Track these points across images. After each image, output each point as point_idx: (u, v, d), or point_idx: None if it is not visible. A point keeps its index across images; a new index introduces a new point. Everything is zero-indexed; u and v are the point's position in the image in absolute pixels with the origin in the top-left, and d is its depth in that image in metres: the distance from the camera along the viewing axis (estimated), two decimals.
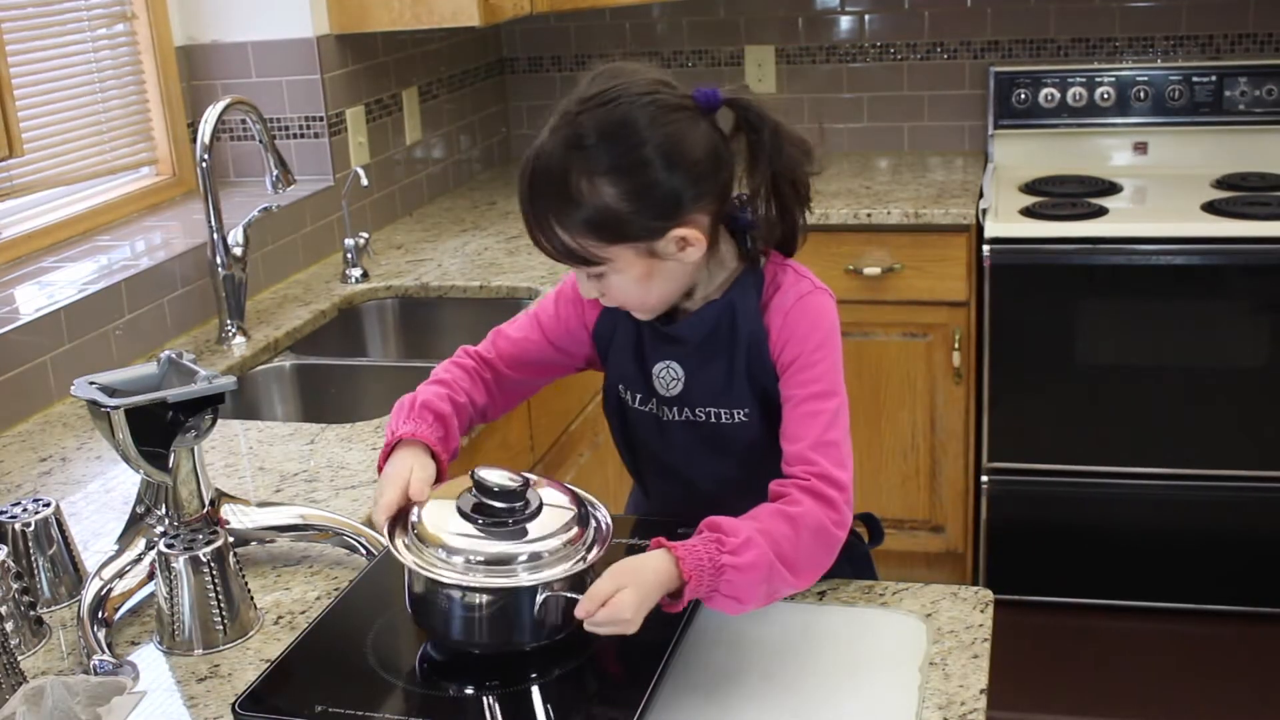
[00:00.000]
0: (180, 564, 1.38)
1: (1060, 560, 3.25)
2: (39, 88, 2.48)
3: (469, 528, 1.24)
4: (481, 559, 1.22)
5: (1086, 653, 3.14)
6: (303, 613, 1.46)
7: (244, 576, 1.44)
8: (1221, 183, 3.30)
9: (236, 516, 1.55)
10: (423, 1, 2.89)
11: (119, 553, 1.48)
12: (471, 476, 1.27)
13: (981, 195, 3.23)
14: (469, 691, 1.23)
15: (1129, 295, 3.07)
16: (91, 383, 1.44)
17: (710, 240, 1.38)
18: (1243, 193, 3.21)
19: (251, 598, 1.44)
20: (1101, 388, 3.13)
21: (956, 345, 3.17)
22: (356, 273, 2.77)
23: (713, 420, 1.47)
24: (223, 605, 1.39)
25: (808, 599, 1.45)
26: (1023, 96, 3.52)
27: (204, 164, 2.36)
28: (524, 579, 1.21)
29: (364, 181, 2.76)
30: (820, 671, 1.31)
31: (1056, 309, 3.10)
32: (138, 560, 1.47)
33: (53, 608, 1.51)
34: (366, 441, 1.91)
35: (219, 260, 2.41)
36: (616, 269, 1.36)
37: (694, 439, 1.49)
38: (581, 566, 1.23)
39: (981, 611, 1.41)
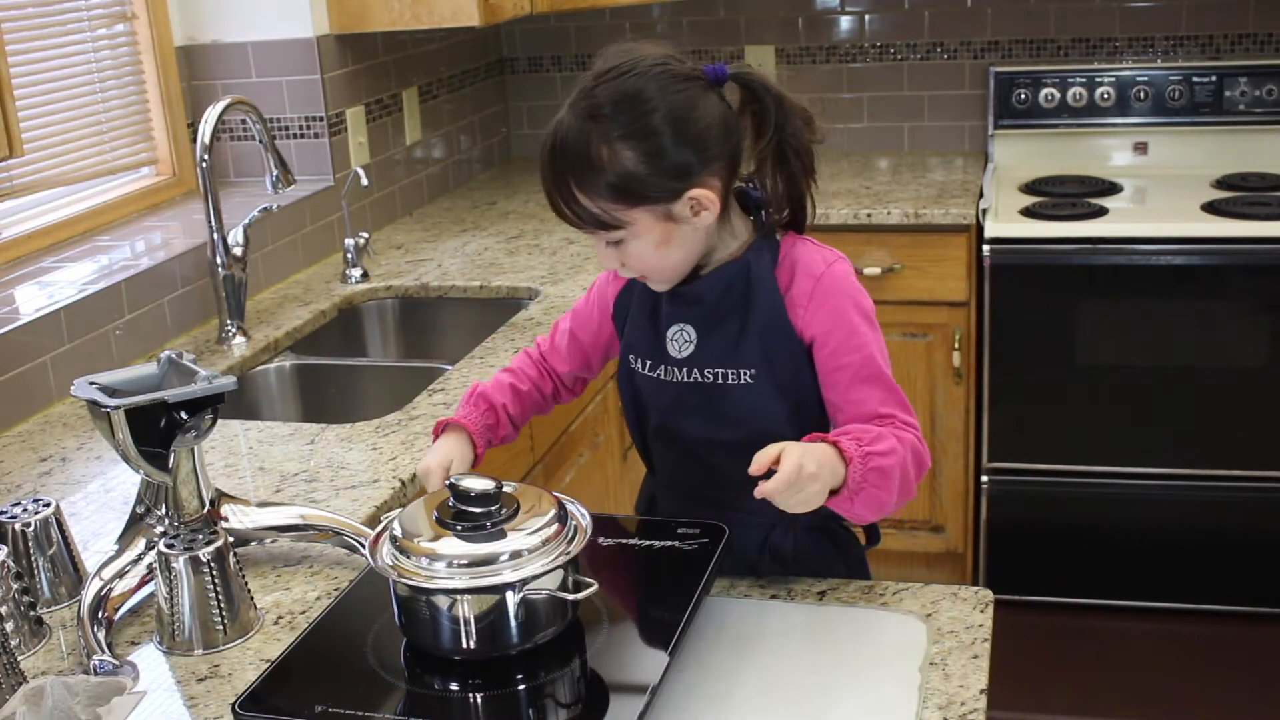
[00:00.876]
0: (180, 564, 1.38)
1: (1060, 560, 3.25)
2: (39, 88, 2.48)
3: (449, 534, 1.24)
4: (464, 562, 1.22)
5: (1086, 653, 3.14)
6: (303, 613, 1.46)
7: (244, 576, 1.44)
8: (1221, 183, 3.30)
9: (236, 516, 1.55)
10: (423, 1, 2.89)
11: (119, 553, 1.48)
12: (448, 485, 1.27)
13: (981, 195, 3.23)
14: (470, 692, 1.23)
15: (1129, 295, 3.07)
16: (91, 383, 1.44)
17: (722, 205, 1.45)
18: (1243, 193, 3.21)
19: (251, 598, 1.44)
20: (1101, 388, 3.13)
21: (956, 345, 3.17)
22: (356, 273, 2.77)
23: (718, 381, 1.51)
24: (223, 605, 1.39)
25: (808, 599, 1.45)
26: (1023, 96, 3.52)
27: (204, 164, 2.36)
28: (508, 576, 1.21)
29: (364, 181, 2.76)
30: (820, 671, 1.31)
31: (1056, 309, 3.10)
32: (138, 560, 1.47)
33: (53, 608, 1.51)
34: (366, 441, 1.91)
35: (219, 260, 2.41)
36: (635, 234, 1.43)
37: (699, 400, 1.53)
38: (565, 560, 1.23)
39: (981, 611, 1.41)
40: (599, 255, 1.49)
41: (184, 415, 1.42)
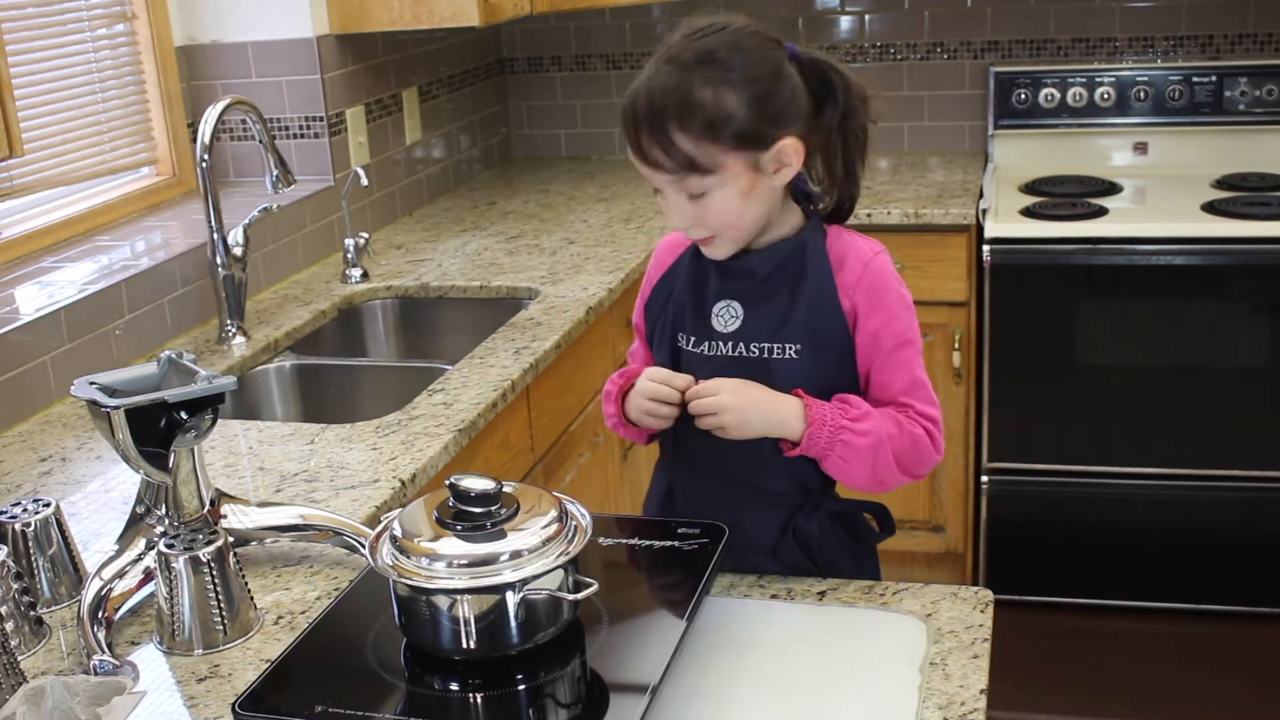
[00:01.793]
0: (180, 564, 1.38)
1: (1060, 560, 3.25)
2: (39, 88, 2.48)
3: (449, 534, 1.24)
4: (464, 562, 1.22)
5: (1086, 653, 3.14)
6: (303, 613, 1.46)
7: (244, 576, 1.44)
8: (1221, 183, 3.30)
9: (236, 516, 1.55)
10: (423, 1, 2.89)
11: (119, 553, 1.48)
12: (448, 485, 1.27)
13: (981, 195, 3.23)
14: (470, 692, 1.23)
15: (1129, 295, 3.07)
16: (91, 383, 1.44)
17: (804, 162, 1.51)
18: (1243, 193, 3.21)
19: (251, 598, 1.44)
20: (1101, 388, 3.13)
21: (956, 345, 3.17)
22: (356, 273, 2.77)
23: (764, 356, 1.54)
24: (223, 605, 1.39)
25: (808, 599, 1.45)
26: (1023, 96, 3.52)
27: (204, 164, 2.36)
28: (508, 576, 1.21)
29: (364, 181, 2.76)
30: (820, 671, 1.31)
31: (1056, 309, 3.10)
32: (138, 560, 1.47)
33: (53, 608, 1.51)
34: (366, 441, 1.91)
35: (219, 260, 2.41)
36: (723, 181, 1.46)
37: (742, 375, 1.54)
38: (565, 560, 1.23)
39: (981, 611, 1.41)
40: (673, 214, 1.50)
41: (184, 415, 1.42)
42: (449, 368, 2.25)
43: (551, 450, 2.39)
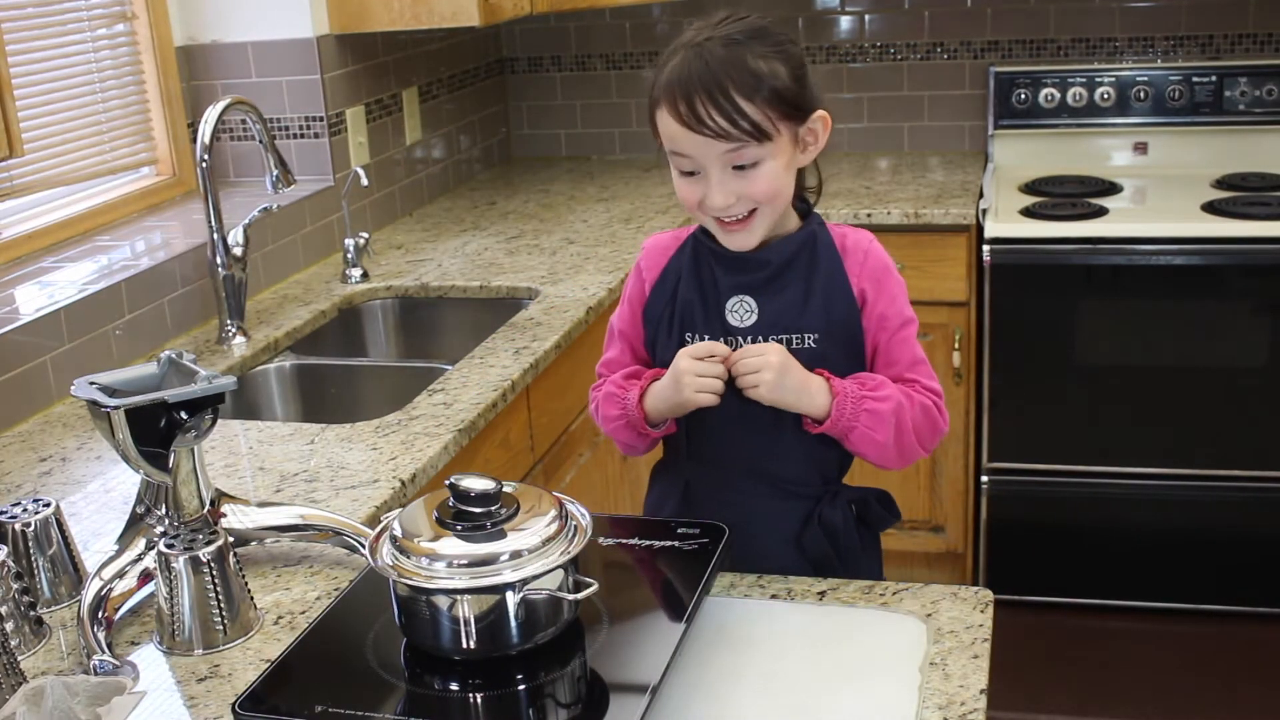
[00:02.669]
0: (180, 564, 1.38)
1: (1060, 560, 3.25)
2: (39, 88, 2.48)
3: (449, 534, 1.24)
4: (464, 562, 1.22)
5: (1086, 653, 3.14)
6: (303, 613, 1.46)
7: (244, 576, 1.44)
8: (1221, 183, 3.30)
9: (236, 516, 1.55)
10: (423, 1, 2.89)
11: (119, 553, 1.48)
12: (448, 485, 1.27)
13: (981, 195, 3.23)
14: (470, 692, 1.23)
15: (1129, 295, 3.07)
16: (91, 383, 1.44)
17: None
18: (1243, 193, 3.21)
19: (251, 598, 1.44)
20: (1101, 388, 3.13)
21: (956, 345, 3.17)
22: (356, 273, 2.77)
23: (783, 347, 1.57)
24: (223, 605, 1.39)
25: (808, 599, 1.45)
26: (1023, 96, 3.52)
27: (204, 164, 2.36)
28: (508, 576, 1.21)
29: (364, 181, 2.76)
30: (820, 671, 1.31)
31: (1056, 309, 3.10)
32: (138, 560, 1.47)
33: (53, 608, 1.51)
34: (366, 441, 1.91)
35: (219, 260, 2.41)
36: (774, 153, 1.51)
37: None
38: (565, 560, 1.23)
39: (981, 611, 1.41)
40: (716, 192, 1.51)
41: (184, 415, 1.42)
42: (449, 368, 2.25)
43: (551, 450, 2.39)
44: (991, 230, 3.06)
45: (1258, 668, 3.05)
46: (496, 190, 3.61)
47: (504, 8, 2.98)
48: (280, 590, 1.51)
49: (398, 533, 1.26)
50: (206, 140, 2.35)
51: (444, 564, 1.22)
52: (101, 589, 1.43)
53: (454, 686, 1.23)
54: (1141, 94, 3.45)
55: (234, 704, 1.19)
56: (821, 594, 1.46)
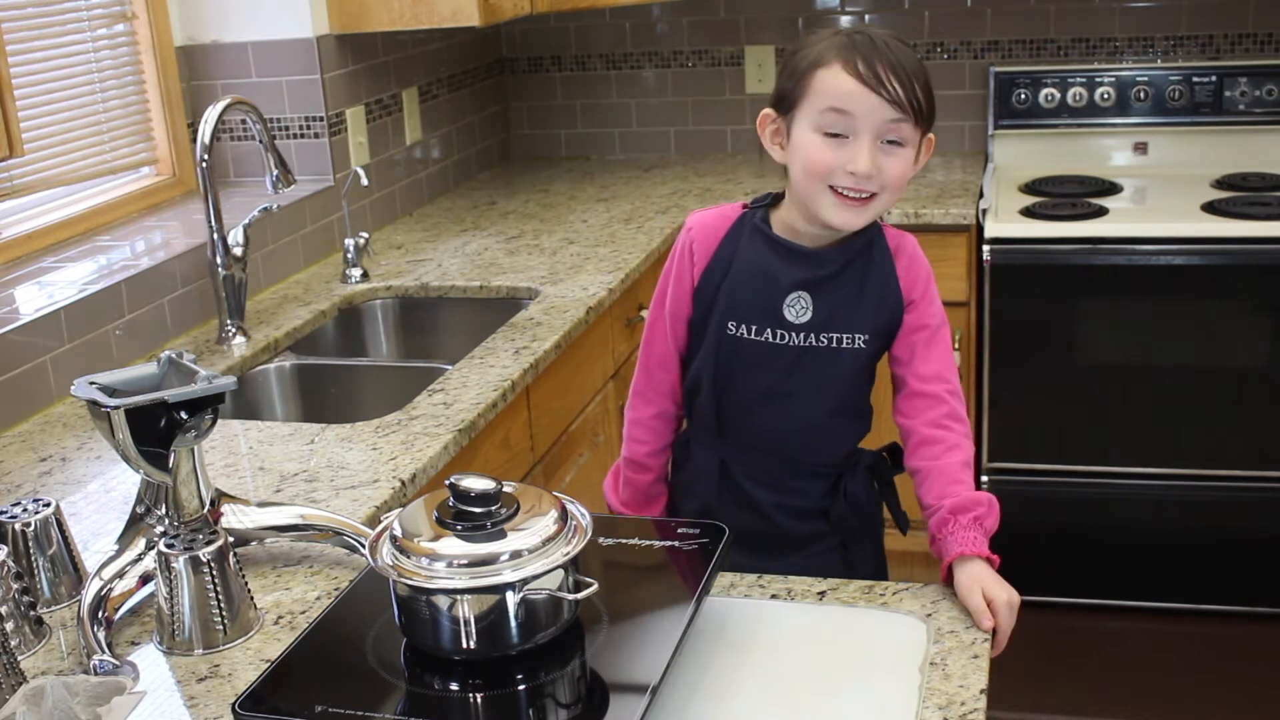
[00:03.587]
0: (180, 564, 1.38)
1: (1060, 560, 3.25)
2: (39, 88, 2.48)
3: (449, 534, 1.24)
4: (464, 562, 1.22)
5: (1086, 653, 3.14)
6: (303, 613, 1.46)
7: (244, 576, 1.44)
8: (1221, 183, 3.30)
9: (236, 516, 1.55)
10: (423, 1, 2.89)
11: (119, 553, 1.48)
12: (448, 485, 1.27)
13: (981, 195, 3.23)
14: (470, 692, 1.23)
15: (1129, 295, 3.07)
16: (91, 383, 1.44)
17: None
18: (1243, 193, 3.20)
19: (251, 598, 1.44)
20: (1101, 388, 3.13)
21: (956, 345, 3.17)
22: (356, 273, 2.77)
23: (834, 346, 1.65)
24: (223, 605, 1.39)
25: (808, 599, 1.45)
26: (1023, 96, 3.52)
27: (204, 164, 2.36)
28: (508, 576, 1.21)
29: (364, 181, 2.76)
30: (820, 671, 1.31)
31: (1056, 309, 3.10)
32: (138, 560, 1.47)
33: (53, 608, 1.51)
34: (366, 441, 1.91)
35: (219, 260, 2.41)
36: (913, 144, 1.58)
37: (812, 363, 1.66)
38: (565, 560, 1.23)
39: None
40: (862, 156, 1.55)
41: (184, 415, 1.42)
42: (449, 368, 2.25)
43: (551, 450, 2.39)
44: (991, 230, 3.06)
45: (1258, 668, 3.05)
46: (496, 190, 3.61)
47: (504, 8, 2.98)
48: (280, 590, 1.51)
49: (398, 533, 1.26)
50: (206, 140, 2.35)
51: (444, 564, 1.22)
52: (101, 589, 1.43)
53: (454, 686, 1.23)
54: (1141, 94, 3.45)
55: (234, 704, 1.19)
56: (821, 594, 1.46)
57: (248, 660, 1.37)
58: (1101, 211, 3.12)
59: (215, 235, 2.41)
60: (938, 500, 1.55)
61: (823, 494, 1.72)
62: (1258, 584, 3.17)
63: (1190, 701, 2.94)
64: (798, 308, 1.64)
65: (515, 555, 1.22)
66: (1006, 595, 1.43)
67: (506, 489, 1.28)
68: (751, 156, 3.82)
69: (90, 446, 1.97)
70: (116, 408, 1.40)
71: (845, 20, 3.72)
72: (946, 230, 3.14)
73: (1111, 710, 2.94)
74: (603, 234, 3.05)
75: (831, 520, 1.72)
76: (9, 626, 1.38)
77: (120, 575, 1.46)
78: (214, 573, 1.39)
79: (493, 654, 1.24)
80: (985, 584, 1.44)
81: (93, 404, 1.42)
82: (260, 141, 2.43)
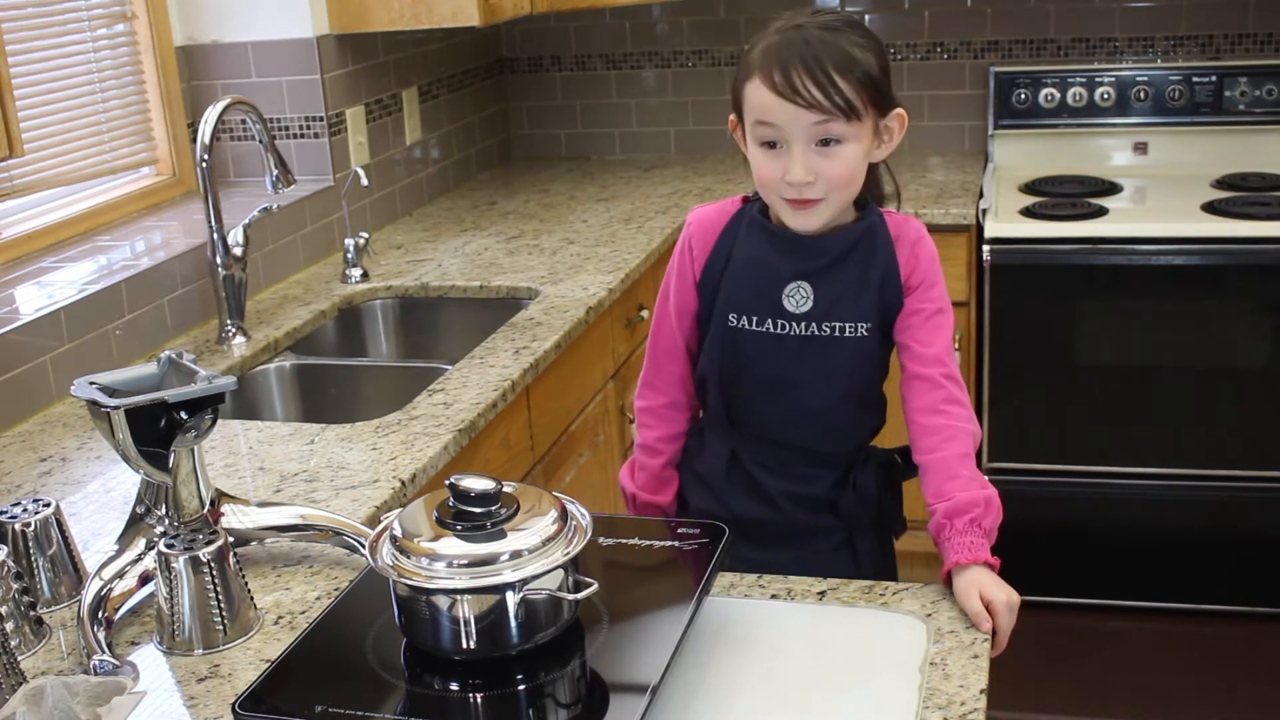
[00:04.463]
0: (180, 564, 1.38)
1: (1060, 560, 3.25)
2: (39, 88, 2.48)
3: (449, 534, 1.24)
4: (464, 562, 1.22)
5: (1086, 653, 3.14)
6: (303, 613, 1.46)
7: (244, 576, 1.44)
8: (1221, 183, 3.30)
9: (236, 516, 1.55)
10: (423, 1, 2.89)
11: (119, 553, 1.48)
12: (448, 485, 1.27)
13: (981, 195, 3.23)
14: (470, 692, 1.23)
15: (1129, 295, 3.07)
16: (91, 383, 1.44)
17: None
18: (1243, 193, 3.21)
19: (251, 598, 1.44)
20: (1101, 388, 3.13)
21: (956, 345, 3.17)
22: (356, 273, 2.77)
23: (836, 334, 1.65)
24: (223, 605, 1.39)
25: (808, 599, 1.45)
26: (1023, 96, 3.52)
27: (204, 164, 2.36)
28: (508, 576, 1.21)
29: (364, 181, 2.76)
30: (820, 671, 1.31)
31: (1056, 309, 3.10)
32: (138, 560, 1.47)
33: (53, 608, 1.51)
34: (366, 441, 1.91)
35: (219, 260, 2.41)
36: (858, 136, 1.56)
37: (815, 353, 1.65)
38: (565, 559, 1.23)
39: None
40: (796, 165, 1.55)
41: (184, 415, 1.42)
42: (449, 368, 2.25)
43: (551, 450, 2.39)
44: (991, 230, 3.06)
45: (1258, 668, 3.05)
46: (496, 190, 3.61)
47: (504, 8, 2.98)
48: (280, 590, 1.51)
49: (398, 533, 1.26)
50: (206, 140, 2.35)
51: (444, 564, 1.22)
52: (101, 589, 1.43)
53: (454, 686, 1.23)
54: (1141, 94, 3.45)
55: (234, 704, 1.19)
56: (821, 594, 1.46)
57: (248, 660, 1.37)
58: (1101, 211, 3.12)
59: (215, 235, 2.41)
60: (935, 501, 1.55)
61: (832, 484, 1.72)
62: (1258, 584, 3.17)
63: (1190, 701, 2.94)
64: (798, 297, 1.64)
65: (515, 555, 1.22)
66: (1006, 596, 1.42)
67: (506, 489, 1.28)
68: None
69: (90, 446, 1.97)
70: (116, 408, 1.40)
71: None
72: (946, 230, 3.14)
73: (1111, 710, 2.94)
74: (603, 234, 3.05)
75: (839, 512, 1.72)
76: (9, 626, 1.38)
77: (120, 575, 1.46)
78: (214, 573, 1.39)
79: (493, 654, 1.24)
80: (984, 586, 1.43)
81: (93, 404, 1.42)
82: (260, 141, 2.43)
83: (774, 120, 1.55)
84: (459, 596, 1.21)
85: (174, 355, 1.51)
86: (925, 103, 3.72)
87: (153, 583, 1.43)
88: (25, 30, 2.45)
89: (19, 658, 1.36)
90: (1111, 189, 3.31)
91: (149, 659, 1.38)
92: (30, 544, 1.50)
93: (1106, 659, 3.12)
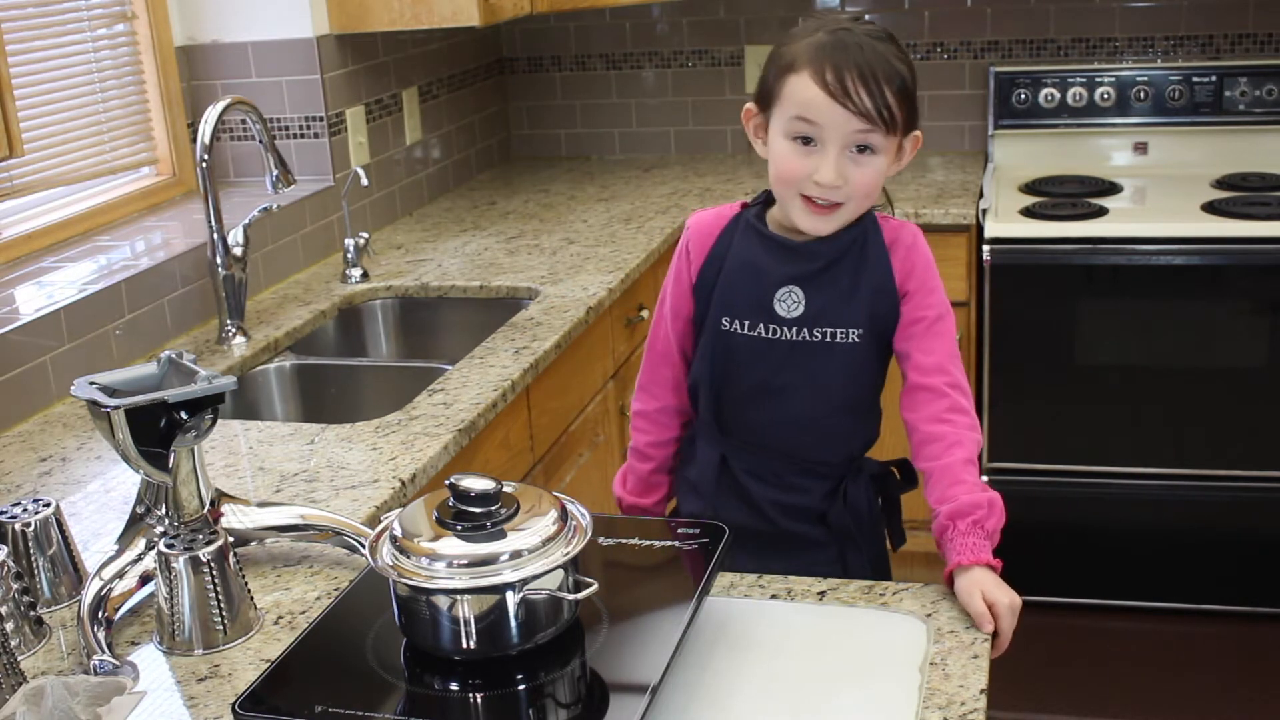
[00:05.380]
0: (180, 564, 1.38)
1: (1060, 560, 3.25)
2: (39, 88, 2.48)
3: (449, 534, 1.24)
4: (464, 562, 1.22)
5: (1086, 653, 3.14)
6: (303, 613, 1.46)
7: (244, 576, 1.44)
8: (1221, 183, 3.30)
9: (236, 516, 1.55)
10: (423, 1, 2.89)
11: (119, 553, 1.48)
12: (448, 485, 1.27)
13: (981, 195, 3.23)
14: (470, 692, 1.23)
15: (1129, 295, 3.07)
16: (91, 383, 1.44)
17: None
18: (1243, 193, 3.21)
19: (251, 598, 1.44)
20: (1101, 388, 3.13)
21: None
22: (356, 273, 2.77)
23: (827, 340, 1.64)
24: (223, 605, 1.39)
25: (808, 599, 1.45)
26: (1023, 96, 3.52)
27: (204, 164, 2.36)
28: (508, 576, 1.21)
29: (364, 181, 2.76)
30: (820, 672, 1.31)
31: (1056, 309, 3.10)
32: (138, 560, 1.47)
33: (53, 608, 1.51)
34: (366, 441, 1.91)
35: (219, 260, 2.41)
36: (886, 149, 1.56)
37: (806, 358, 1.65)
38: (565, 559, 1.23)
39: None
40: (826, 167, 1.55)
41: (184, 415, 1.42)
42: (449, 368, 2.25)
43: (551, 450, 2.39)
44: (991, 230, 3.06)
45: (1258, 668, 3.05)
46: (496, 190, 3.61)
47: (504, 8, 2.98)
48: (280, 590, 1.51)
49: (398, 533, 1.26)
50: (206, 140, 2.35)
51: (444, 564, 1.22)
52: (101, 589, 1.43)
53: (454, 686, 1.23)
54: (1141, 94, 3.45)
55: (234, 704, 1.19)
56: (821, 594, 1.46)
57: (248, 660, 1.37)
58: (1101, 211, 3.12)
59: (215, 235, 2.41)
60: (938, 504, 1.55)
61: (823, 496, 1.70)
62: (1258, 584, 3.17)
63: (1190, 701, 2.94)
64: (789, 302, 1.64)
65: (515, 555, 1.22)
66: (1008, 598, 1.42)
67: (506, 489, 1.28)
68: (752, 156, 3.81)
69: (90, 446, 1.97)
70: (116, 408, 1.40)
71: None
72: (946, 230, 3.14)
73: (1111, 710, 2.94)
74: (603, 234, 3.05)
75: (829, 524, 1.70)
76: (9, 626, 1.38)
77: (120, 575, 1.46)
78: (214, 573, 1.39)
79: (493, 654, 1.24)
80: (986, 587, 1.43)
81: (93, 404, 1.42)
82: (260, 141, 2.43)
83: (817, 119, 1.54)
84: (459, 596, 1.21)
85: (174, 355, 1.51)
86: (925, 103, 3.72)
87: (153, 583, 1.43)
88: (25, 30, 2.45)
89: (19, 658, 1.36)
90: (1111, 189, 3.31)
91: (149, 659, 1.38)
92: (30, 544, 1.50)
93: (1106, 659, 3.12)
